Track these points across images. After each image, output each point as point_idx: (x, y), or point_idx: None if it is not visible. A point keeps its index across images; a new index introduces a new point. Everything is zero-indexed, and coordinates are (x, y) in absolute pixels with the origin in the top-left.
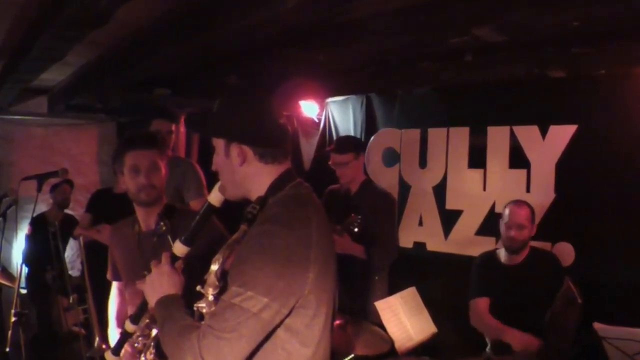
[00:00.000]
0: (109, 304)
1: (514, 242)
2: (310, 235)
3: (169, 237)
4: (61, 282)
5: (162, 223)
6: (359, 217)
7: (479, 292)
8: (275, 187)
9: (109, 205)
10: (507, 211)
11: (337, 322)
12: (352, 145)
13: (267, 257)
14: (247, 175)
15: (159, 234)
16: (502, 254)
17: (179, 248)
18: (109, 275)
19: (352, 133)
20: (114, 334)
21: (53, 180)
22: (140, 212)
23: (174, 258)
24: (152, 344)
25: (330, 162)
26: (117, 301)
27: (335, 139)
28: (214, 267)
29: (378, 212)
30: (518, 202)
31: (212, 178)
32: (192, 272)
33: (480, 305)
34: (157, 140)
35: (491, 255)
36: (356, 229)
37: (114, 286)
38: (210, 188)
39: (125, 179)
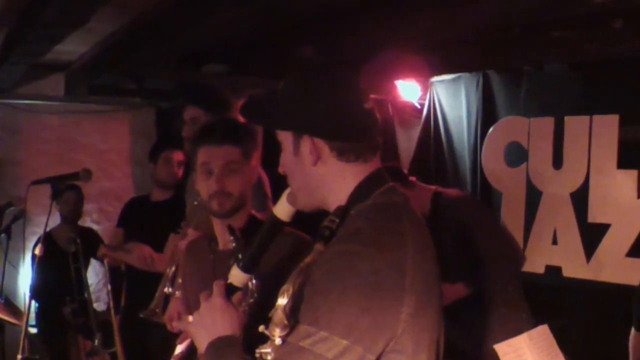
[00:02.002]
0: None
1: None
2: (405, 257)
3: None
4: (83, 318)
5: (231, 238)
6: None
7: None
8: (360, 193)
9: (146, 218)
10: None
11: None
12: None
13: (347, 286)
14: (323, 177)
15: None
16: None
17: (237, 276)
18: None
19: (464, 121)
20: None
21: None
22: (216, 225)
23: (231, 289)
24: None
25: None
26: (185, 344)
27: None
28: (282, 301)
29: (478, 227)
30: None
31: (280, 184)
32: (257, 306)
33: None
34: (240, 134)
35: None
36: None
37: None
38: (276, 197)
39: (197, 179)
